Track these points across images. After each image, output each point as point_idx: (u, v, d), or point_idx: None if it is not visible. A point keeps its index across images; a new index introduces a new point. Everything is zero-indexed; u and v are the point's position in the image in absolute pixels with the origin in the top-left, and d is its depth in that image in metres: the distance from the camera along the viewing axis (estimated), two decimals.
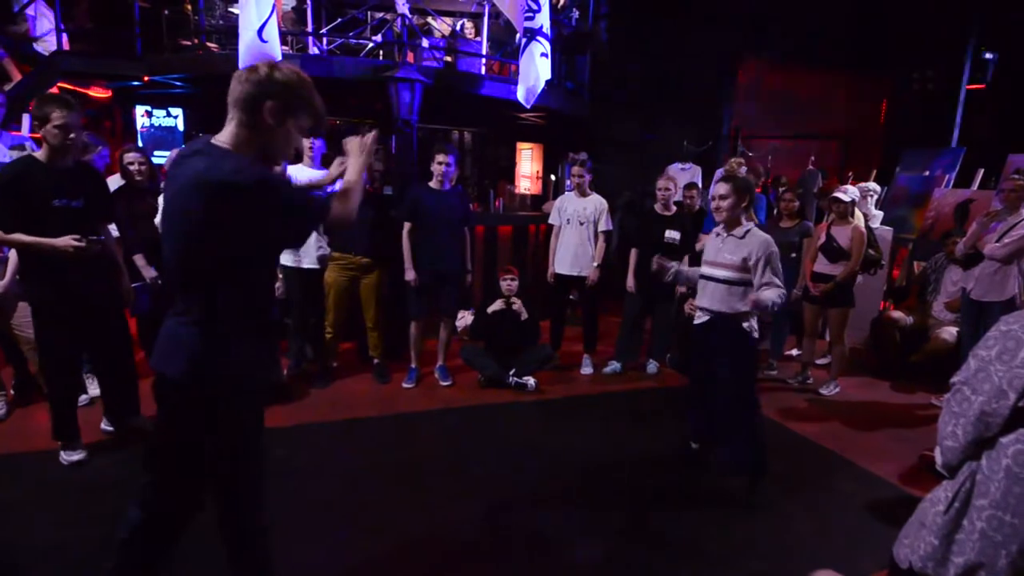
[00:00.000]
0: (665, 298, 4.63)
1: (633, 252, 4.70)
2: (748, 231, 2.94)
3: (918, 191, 6.93)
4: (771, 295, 2.81)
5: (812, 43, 8.59)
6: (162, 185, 1.69)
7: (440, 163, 4.12)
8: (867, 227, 4.56)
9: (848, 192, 4.45)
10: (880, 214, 6.09)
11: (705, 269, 3.08)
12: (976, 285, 4.08)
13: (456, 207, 4.24)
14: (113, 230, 3.26)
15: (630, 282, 4.67)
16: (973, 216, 4.98)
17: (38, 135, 2.80)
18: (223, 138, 1.61)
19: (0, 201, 2.65)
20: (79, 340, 2.98)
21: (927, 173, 6.96)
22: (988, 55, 7.91)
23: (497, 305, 4.45)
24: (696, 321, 3.16)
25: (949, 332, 4.65)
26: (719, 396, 3.00)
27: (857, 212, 4.61)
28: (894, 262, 6.24)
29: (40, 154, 2.73)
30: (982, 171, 6.42)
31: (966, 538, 1.42)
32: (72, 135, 2.67)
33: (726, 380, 2.97)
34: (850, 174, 6.69)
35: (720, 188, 2.99)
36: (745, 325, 2.95)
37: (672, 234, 4.55)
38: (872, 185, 5.92)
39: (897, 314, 5.10)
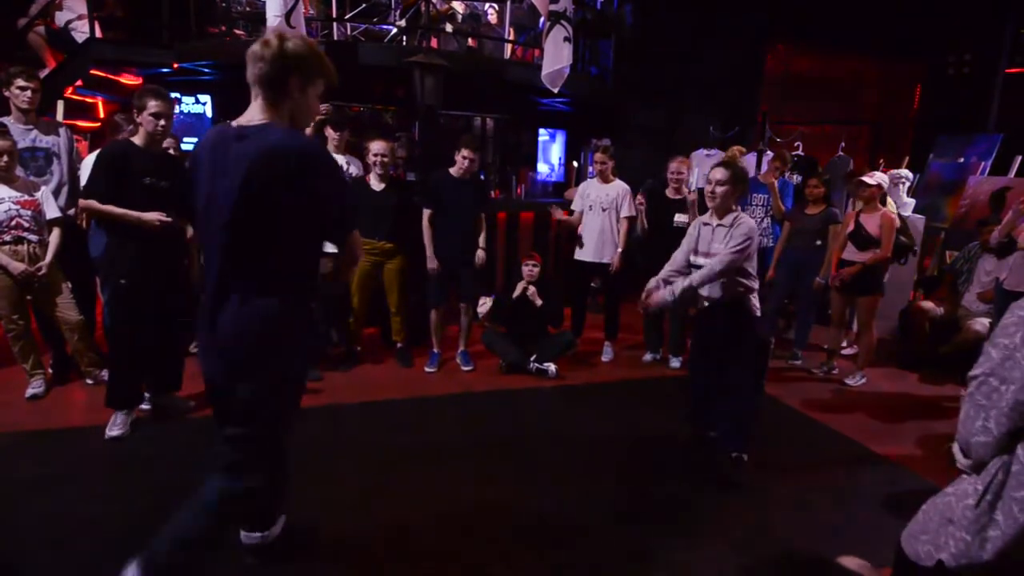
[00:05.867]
0: None
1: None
2: (736, 218, 2.99)
3: (952, 178, 6.74)
4: (680, 284, 2.95)
5: (843, 26, 8.34)
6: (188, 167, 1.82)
7: (465, 157, 4.12)
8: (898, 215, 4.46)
9: (875, 176, 4.35)
10: (912, 202, 5.95)
11: (699, 260, 3.08)
12: (1010, 275, 3.97)
13: (472, 195, 4.25)
14: None
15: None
16: (1009, 204, 4.83)
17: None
18: (255, 117, 1.64)
19: (104, 173, 2.98)
20: (151, 313, 3.16)
21: (961, 160, 6.76)
22: None
23: (518, 290, 4.45)
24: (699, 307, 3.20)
25: (981, 323, 4.54)
26: (729, 377, 3.05)
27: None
28: (926, 251, 6.10)
29: (137, 139, 3.05)
30: (1020, 158, 6.23)
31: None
32: (163, 123, 3.01)
33: (734, 361, 3.03)
34: (881, 161, 6.53)
35: (718, 173, 2.98)
36: (746, 305, 3.02)
37: (681, 218, 4.47)
38: (904, 172, 5.78)
39: (927, 304, 5.00)
